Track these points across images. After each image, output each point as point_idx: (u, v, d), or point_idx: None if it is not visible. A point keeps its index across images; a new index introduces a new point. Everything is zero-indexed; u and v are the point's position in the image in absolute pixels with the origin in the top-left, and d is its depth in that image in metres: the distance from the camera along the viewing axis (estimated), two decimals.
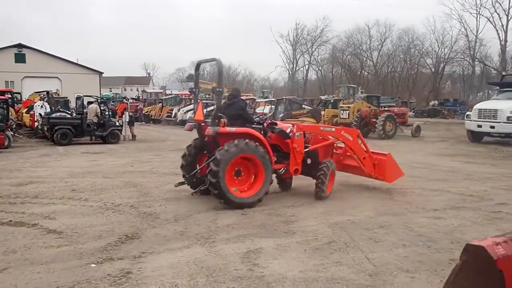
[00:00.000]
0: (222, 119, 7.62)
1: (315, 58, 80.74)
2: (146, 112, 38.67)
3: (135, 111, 37.53)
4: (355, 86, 41.87)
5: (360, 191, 9.11)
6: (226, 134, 7.49)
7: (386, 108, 25.43)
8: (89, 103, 22.26)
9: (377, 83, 70.84)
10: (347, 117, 25.59)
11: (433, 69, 68.65)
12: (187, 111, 32.77)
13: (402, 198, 8.49)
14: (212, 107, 31.53)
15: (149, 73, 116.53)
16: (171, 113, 35.10)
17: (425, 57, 69.03)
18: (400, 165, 12.78)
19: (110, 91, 78.90)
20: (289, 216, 7.09)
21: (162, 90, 69.69)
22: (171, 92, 61.76)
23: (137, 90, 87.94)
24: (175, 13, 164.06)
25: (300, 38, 79.98)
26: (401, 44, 70.58)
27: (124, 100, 44.35)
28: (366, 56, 74.59)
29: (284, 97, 27.74)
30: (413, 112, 47.44)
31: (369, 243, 5.76)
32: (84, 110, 20.45)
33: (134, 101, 50.12)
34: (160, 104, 38.56)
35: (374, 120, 22.80)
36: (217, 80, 8.74)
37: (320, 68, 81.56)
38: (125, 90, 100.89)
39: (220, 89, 7.98)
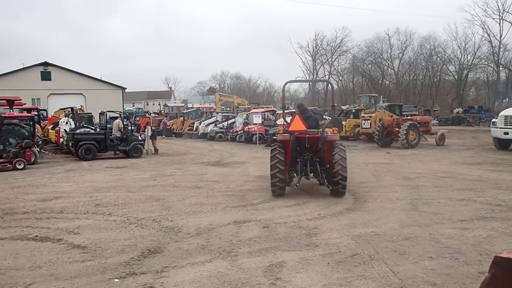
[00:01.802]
0: (335, 128, 10.10)
1: (335, 68, 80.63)
2: (168, 126, 39.08)
3: (158, 125, 37.95)
4: (376, 95, 41.47)
5: (384, 202, 8.96)
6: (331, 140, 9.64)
7: (409, 117, 25.07)
8: (112, 118, 22.69)
9: (399, 91, 70.08)
10: (369, 126, 25.38)
11: (456, 76, 67.57)
12: (208, 124, 33.03)
13: (427, 209, 8.30)
14: (233, 120, 31.88)
15: (170, 87, 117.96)
16: (193, 126, 35.42)
17: (447, 64, 68.08)
18: (424, 174, 12.67)
19: (133, 106, 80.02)
20: (311, 228, 7.02)
21: (183, 104, 70.50)
22: (193, 105, 62.45)
23: (159, 105, 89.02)
24: (195, 28, 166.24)
25: (320, 49, 79.99)
26: (422, 52, 69.87)
27: (147, 115, 44.95)
28: (387, 64, 74.02)
29: None
30: (436, 120, 46.75)
31: (394, 255, 5.64)
32: (108, 126, 20.81)
33: (156, 115, 50.76)
34: (182, 117, 38.94)
35: (397, 129, 22.50)
36: (330, 96, 11.55)
37: (340, 78, 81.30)
38: (147, 104, 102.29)
39: (335, 104, 10.74)
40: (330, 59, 79.68)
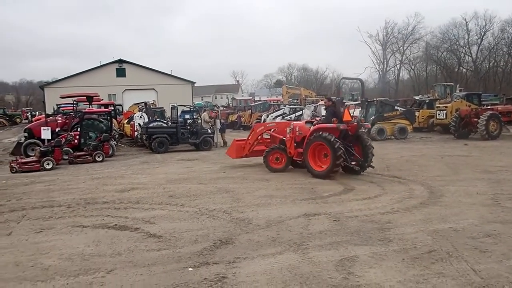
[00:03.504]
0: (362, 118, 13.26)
1: (407, 57, 77.13)
2: (236, 119, 39.55)
3: (226, 119, 38.55)
4: (452, 84, 39.37)
5: (462, 197, 8.49)
6: None
7: (489, 107, 23.54)
8: (184, 112, 23.50)
9: (477, 80, 65.85)
10: (444, 117, 24.18)
11: None
12: (276, 116, 33.06)
13: (511, 205, 7.75)
14: (300, 112, 31.68)
15: (238, 81, 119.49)
16: (260, 119, 35.62)
17: None
18: (507, 167, 11.88)
19: (202, 99, 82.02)
20: (384, 223, 6.80)
21: (251, 97, 71.08)
22: (260, 98, 62.79)
23: (227, 98, 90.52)
24: (261, 22, 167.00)
25: (391, 37, 76.97)
26: (504, 37, 64.76)
27: (215, 108, 45.86)
28: (464, 51, 69.65)
29: (374, 99, 26.86)
30: None
31: (475, 253, 5.33)
32: (179, 119, 21.58)
33: (224, 108, 51.65)
34: (250, 110, 39.30)
35: (476, 119, 21.22)
36: (360, 93, 14.72)
37: (412, 67, 77.77)
38: (215, 98, 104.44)
39: (364, 99, 14.00)
40: (401, 48, 76.53)
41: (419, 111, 27.26)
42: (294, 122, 13.07)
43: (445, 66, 70.72)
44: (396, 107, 24.46)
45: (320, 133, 11.14)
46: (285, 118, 31.89)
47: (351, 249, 5.57)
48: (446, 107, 24.45)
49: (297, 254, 5.44)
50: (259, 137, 13.71)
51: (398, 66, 77.87)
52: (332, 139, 10.75)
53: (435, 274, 4.72)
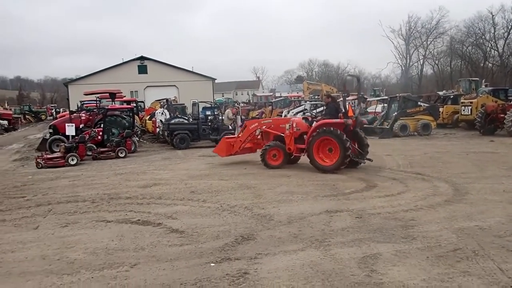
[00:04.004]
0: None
1: (430, 52, 75.73)
2: (257, 115, 39.54)
3: (247, 115, 38.59)
4: (477, 79, 38.51)
5: (488, 195, 8.31)
6: None
7: None
8: (205, 108, 23.58)
9: (503, 74, 64.17)
10: (469, 113, 23.71)
11: None
12: (297, 112, 32.93)
13: None
14: (321, 108, 31.46)
15: (258, 77, 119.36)
16: (281, 115, 35.51)
17: None
18: None
19: (223, 96, 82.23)
20: (407, 220, 6.71)
21: (271, 93, 70.85)
22: (280, 94, 62.55)
23: (248, 94, 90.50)
24: (282, 18, 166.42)
25: (414, 32, 75.65)
26: None
27: (236, 105, 45.89)
28: (490, 46, 67.96)
29: (397, 94, 26.49)
30: None
31: (502, 252, 5.21)
32: (200, 116, 21.64)
33: (245, 105, 51.65)
34: (270, 106, 39.21)
35: (502, 115, 20.72)
36: (356, 88, 14.84)
37: (436, 62, 76.35)
38: (236, 94, 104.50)
39: (362, 94, 13.79)
40: (425, 42, 75.21)
41: (443, 107, 26.81)
42: (292, 118, 13.37)
43: (470, 61, 69.13)
44: (419, 103, 24.08)
45: (327, 128, 11.43)
46: (306, 114, 31.77)
47: (374, 247, 5.51)
48: (471, 102, 23.97)
49: (319, 251, 5.42)
50: (251, 134, 13.65)
51: (421, 61, 76.52)
52: (340, 134, 11.17)
53: (460, 273, 4.64)
